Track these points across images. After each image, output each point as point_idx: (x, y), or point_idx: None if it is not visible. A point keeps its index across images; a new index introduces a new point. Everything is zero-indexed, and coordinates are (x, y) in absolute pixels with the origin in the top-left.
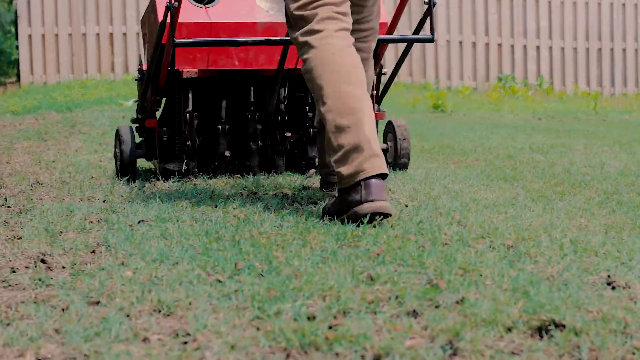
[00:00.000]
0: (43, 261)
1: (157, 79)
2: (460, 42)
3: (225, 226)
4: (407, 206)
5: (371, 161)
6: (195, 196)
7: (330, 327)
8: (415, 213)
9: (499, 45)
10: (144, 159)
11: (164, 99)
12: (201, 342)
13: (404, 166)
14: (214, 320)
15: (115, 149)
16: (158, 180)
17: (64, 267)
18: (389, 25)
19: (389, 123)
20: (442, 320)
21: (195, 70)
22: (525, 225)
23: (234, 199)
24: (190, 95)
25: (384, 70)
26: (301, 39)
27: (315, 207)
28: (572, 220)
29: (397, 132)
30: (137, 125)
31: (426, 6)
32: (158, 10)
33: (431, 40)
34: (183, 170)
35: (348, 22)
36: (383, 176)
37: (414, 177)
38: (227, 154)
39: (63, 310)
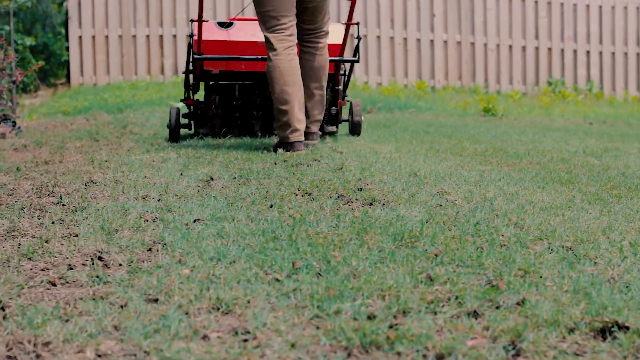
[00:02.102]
0: (100, 258)
1: (193, 72)
2: (510, 46)
3: (282, 226)
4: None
5: (294, 134)
6: (250, 196)
7: (390, 327)
8: (472, 215)
9: (549, 49)
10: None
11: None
12: (261, 340)
13: (357, 129)
14: (273, 318)
15: (169, 121)
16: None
17: (120, 265)
18: (340, 46)
19: (350, 103)
20: (503, 321)
21: (217, 70)
22: (583, 228)
23: (289, 199)
24: (217, 87)
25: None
26: (268, 53)
27: (370, 207)
28: (631, 223)
29: (353, 109)
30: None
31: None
32: (194, 31)
33: (357, 61)
34: (209, 132)
35: (293, 41)
36: (300, 141)
37: (469, 179)
38: (257, 128)
39: (121, 307)
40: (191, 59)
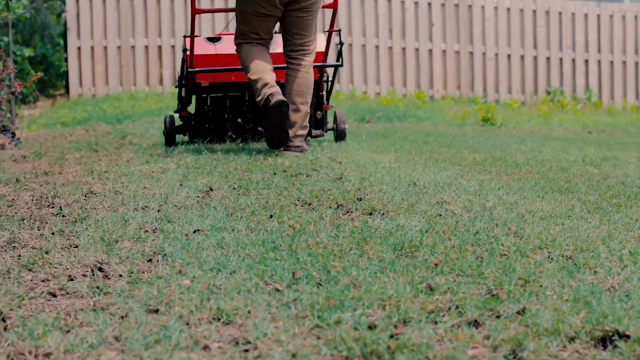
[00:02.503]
0: (100, 269)
1: (185, 86)
2: (509, 56)
3: (282, 236)
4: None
5: (271, 89)
6: (249, 206)
7: (391, 336)
8: (471, 224)
9: (548, 58)
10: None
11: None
12: (262, 350)
13: (342, 136)
14: (274, 328)
15: (164, 127)
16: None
17: (121, 276)
18: (324, 53)
19: (335, 113)
20: (503, 330)
21: (208, 82)
22: (583, 237)
23: (289, 209)
24: (207, 97)
25: (330, 78)
26: (236, 46)
27: (370, 217)
28: (630, 231)
29: (338, 118)
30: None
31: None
32: (186, 45)
33: (340, 65)
34: (205, 141)
35: (267, 42)
36: (277, 92)
37: (468, 189)
38: (233, 135)
39: (122, 317)
40: (184, 73)
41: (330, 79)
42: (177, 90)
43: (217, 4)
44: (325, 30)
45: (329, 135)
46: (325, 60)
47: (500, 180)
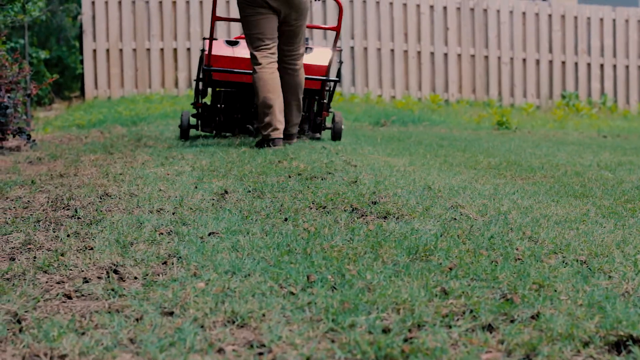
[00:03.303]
0: (115, 272)
1: (202, 79)
2: (524, 60)
3: (296, 239)
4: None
5: (275, 132)
6: (264, 209)
7: (405, 340)
8: (486, 228)
9: (563, 62)
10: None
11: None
12: (276, 353)
13: (338, 135)
14: (289, 332)
15: (180, 122)
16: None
17: (136, 278)
18: (326, 67)
19: (333, 114)
20: (518, 335)
21: (223, 80)
22: (598, 242)
23: (303, 213)
24: (221, 94)
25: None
26: (253, 66)
27: (385, 220)
28: None
29: (335, 118)
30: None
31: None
32: (205, 46)
33: (338, 80)
34: (213, 133)
35: (275, 58)
36: (280, 138)
37: (483, 193)
38: (251, 128)
39: (137, 320)
40: (204, 67)
41: (331, 89)
42: (195, 84)
43: (232, 8)
44: (333, 46)
45: (331, 136)
46: (327, 73)
47: (515, 184)
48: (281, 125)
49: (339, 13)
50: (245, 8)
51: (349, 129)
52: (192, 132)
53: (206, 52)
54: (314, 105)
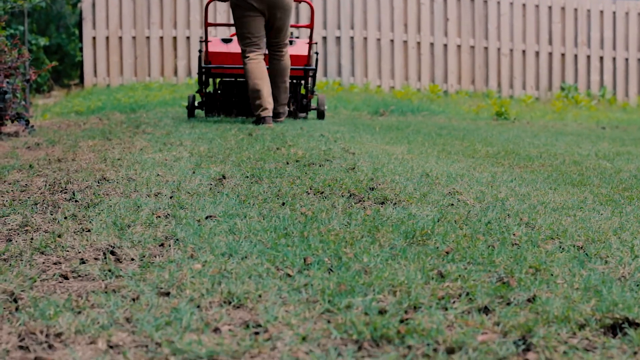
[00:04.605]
0: (112, 253)
1: (204, 73)
2: (524, 51)
3: (293, 223)
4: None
5: (265, 112)
6: (262, 194)
7: (401, 321)
8: (483, 214)
9: (562, 54)
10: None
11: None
12: (272, 333)
13: (322, 115)
14: (285, 312)
15: (187, 103)
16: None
17: (133, 259)
18: (306, 57)
19: (317, 97)
20: (514, 317)
21: (221, 73)
22: (595, 228)
23: (301, 198)
24: (220, 84)
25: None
26: (243, 59)
27: (382, 206)
28: None
29: (319, 101)
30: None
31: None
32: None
33: (314, 69)
34: (216, 114)
35: (261, 51)
36: (269, 116)
37: (481, 180)
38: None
39: (133, 300)
40: (203, 66)
41: (314, 76)
42: (197, 77)
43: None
44: (309, 41)
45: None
46: (308, 62)
47: (512, 172)
48: (270, 106)
49: (311, 13)
50: (236, 10)
51: (347, 117)
52: (193, 121)
53: (204, 51)
54: (299, 89)
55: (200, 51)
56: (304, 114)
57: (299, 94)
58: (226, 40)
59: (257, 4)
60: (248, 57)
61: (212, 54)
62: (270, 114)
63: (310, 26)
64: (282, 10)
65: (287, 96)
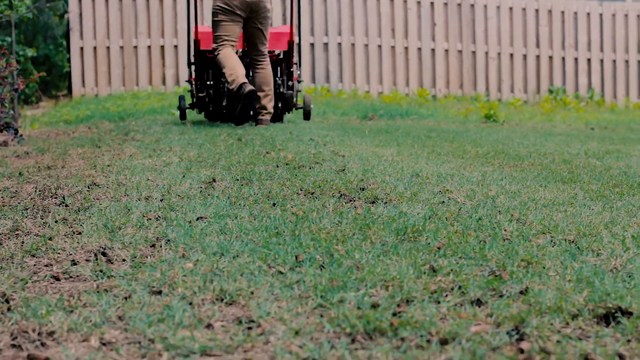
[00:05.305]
0: (104, 254)
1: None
2: (511, 55)
3: (284, 222)
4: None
5: (241, 82)
6: (252, 195)
7: (394, 314)
8: (474, 211)
9: (550, 57)
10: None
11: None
12: (265, 328)
13: (308, 116)
14: (277, 308)
15: (179, 103)
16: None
17: (124, 260)
18: (289, 33)
19: (304, 97)
20: (506, 309)
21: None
22: (586, 222)
23: (292, 198)
24: (211, 77)
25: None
26: (214, 53)
27: (373, 205)
28: (633, 217)
29: (305, 100)
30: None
31: None
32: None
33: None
34: (205, 114)
35: (235, 44)
36: (246, 82)
37: (471, 179)
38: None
39: (125, 299)
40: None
41: (296, 61)
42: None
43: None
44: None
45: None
46: (292, 38)
47: (502, 171)
48: (244, 79)
49: (291, 17)
50: (219, 15)
51: (336, 122)
52: (182, 127)
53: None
54: (284, 71)
55: (189, 35)
56: (289, 93)
57: (284, 76)
58: None
59: (240, 10)
60: (218, 49)
61: (202, 35)
62: (247, 82)
63: (290, 38)
64: (263, 17)
65: (272, 105)
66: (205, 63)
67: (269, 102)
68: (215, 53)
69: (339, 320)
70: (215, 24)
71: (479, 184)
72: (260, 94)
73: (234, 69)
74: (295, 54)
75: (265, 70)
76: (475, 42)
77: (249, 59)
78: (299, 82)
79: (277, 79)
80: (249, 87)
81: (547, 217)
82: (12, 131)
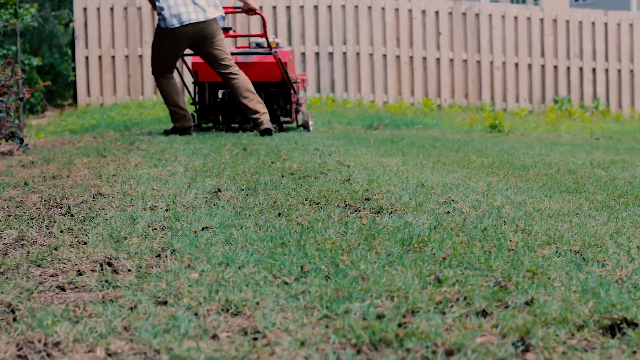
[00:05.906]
0: (109, 264)
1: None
2: (516, 64)
3: (290, 232)
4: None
5: (263, 117)
6: (258, 205)
7: (400, 325)
8: (479, 221)
9: (555, 67)
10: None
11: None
12: (271, 338)
13: (307, 127)
14: (283, 319)
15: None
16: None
17: (129, 270)
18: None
19: (302, 112)
20: (512, 319)
21: (207, 81)
22: (591, 233)
23: (297, 208)
24: (207, 92)
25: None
26: (158, 79)
27: (378, 215)
28: (638, 228)
29: (305, 115)
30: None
31: None
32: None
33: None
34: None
35: (170, 74)
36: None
37: (476, 189)
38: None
39: (131, 309)
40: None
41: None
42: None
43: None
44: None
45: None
46: (284, 74)
47: (508, 181)
48: (188, 114)
49: (263, 24)
50: (161, 39)
51: (341, 132)
52: (187, 137)
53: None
54: (280, 96)
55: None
56: (287, 119)
57: (281, 100)
58: None
59: (181, 36)
60: (164, 77)
61: (197, 66)
62: (191, 124)
63: (264, 35)
64: (206, 40)
65: (262, 105)
66: (205, 90)
67: (257, 104)
68: (156, 80)
69: (345, 331)
70: (157, 48)
71: (484, 194)
72: (244, 100)
73: (175, 104)
74: (297, 75)
75: (238, 79)
76: (480, 51)
77: (218, 74)
78: (298, 105)
79: (275, 107)
80: (192, 130)
81: (552, 227)
82: (18, 140)
